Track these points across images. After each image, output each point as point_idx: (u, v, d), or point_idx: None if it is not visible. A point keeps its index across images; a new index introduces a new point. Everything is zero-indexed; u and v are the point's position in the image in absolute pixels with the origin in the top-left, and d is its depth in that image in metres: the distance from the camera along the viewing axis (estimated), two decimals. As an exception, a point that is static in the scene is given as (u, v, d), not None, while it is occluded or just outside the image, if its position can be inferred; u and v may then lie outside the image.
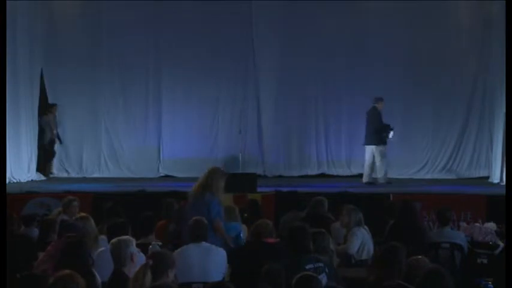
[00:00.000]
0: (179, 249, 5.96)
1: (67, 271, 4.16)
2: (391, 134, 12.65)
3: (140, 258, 5.12)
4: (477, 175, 14.25)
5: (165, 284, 4.50)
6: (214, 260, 5.86)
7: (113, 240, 5.27)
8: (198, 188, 7.15)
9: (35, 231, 7.36)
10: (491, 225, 8.29)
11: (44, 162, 14.07)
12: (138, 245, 5.52)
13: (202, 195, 7.02)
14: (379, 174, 12.82)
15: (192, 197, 7.16)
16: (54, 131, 14.03)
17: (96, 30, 14.56)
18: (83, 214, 6.95)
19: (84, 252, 5.12)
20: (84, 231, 6.11)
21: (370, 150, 12.78)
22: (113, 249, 5.14)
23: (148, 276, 4.55)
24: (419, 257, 4.94)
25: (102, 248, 6.03)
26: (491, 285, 5.62)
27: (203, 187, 7.09)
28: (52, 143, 14.11)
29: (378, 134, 12.64)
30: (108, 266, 5.22)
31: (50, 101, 14.46)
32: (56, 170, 14.52)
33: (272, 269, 4.90)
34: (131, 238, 5.33)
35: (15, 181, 12.80)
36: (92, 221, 6.62)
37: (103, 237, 6.43)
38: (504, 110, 11.86)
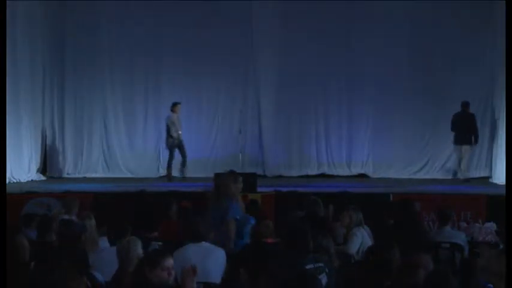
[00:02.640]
0: (179, 249, 5.95)
1: (67, 271, 4.15)
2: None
3: None
4: (477, 175, 14.25)
5: (166, 284, 4.49)
6: (214, 260, 5.85)
7: (123, 241, 5.35)
8: (215, 196, 7.50)
9: (34, 232, 7.34)
10: (491, 225, 8.30)
11: (169, 163, 13.55)
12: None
13: (221, 203, 7.35)
14: (464, 172, 13.31)
15: (212, 203, 7.49)
16: (179, 132, 13.43)
17: (96, 30, 14.56)
18: (84, 213, 6.95)
19: (80, 252, 5.11)
20: (84, 231, 6.11)
21: (461, 148, 13.33)
22: (121, 249, 5.16)
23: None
24: (421, 255, 4.92)
25: (102, 248, 6.03)
26: (491, 285, 5.61)
27: (219, 195, 7.45)
28: (179, 143, 13.41)
29: (471, 134, 13.25)
30: (108, 266, 5.22)
31: (46, 102, 14.50)
32: (58, 170, 14.53)
33: (269, 270, 4.88)
34: (138, 239, 5.37)
35: (15, 181, 12.79)
36: (93, 221, 6.62)
37: (103, 237, 6.43)
38: (504, 109, 11.87)
